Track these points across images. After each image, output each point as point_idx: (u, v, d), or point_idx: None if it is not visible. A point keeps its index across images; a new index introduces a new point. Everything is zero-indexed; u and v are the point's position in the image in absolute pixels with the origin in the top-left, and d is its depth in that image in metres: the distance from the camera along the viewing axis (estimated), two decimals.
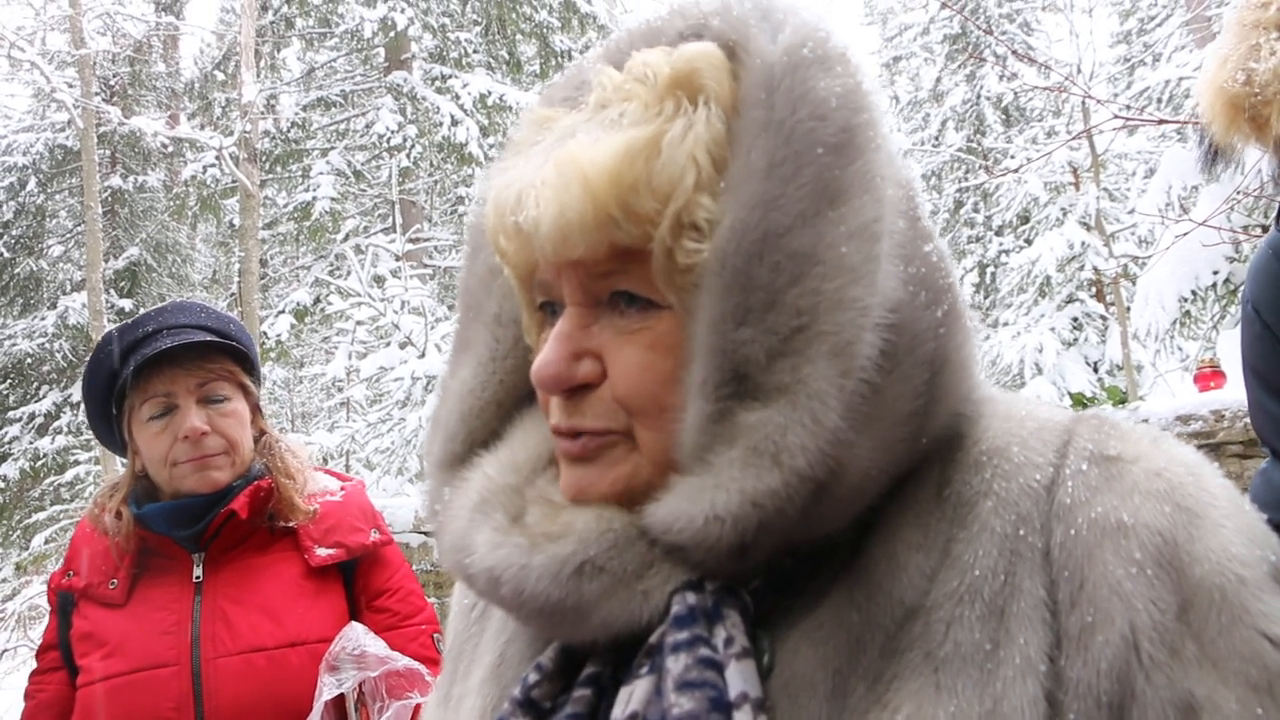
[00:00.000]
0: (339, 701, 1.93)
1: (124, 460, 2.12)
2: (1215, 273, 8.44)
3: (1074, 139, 11.41)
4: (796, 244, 0.69)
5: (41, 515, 15.50)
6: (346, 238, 15.59)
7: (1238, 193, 7.00)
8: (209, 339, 2.03)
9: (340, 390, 13.39)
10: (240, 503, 2.00)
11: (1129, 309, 10.23)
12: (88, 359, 2.08)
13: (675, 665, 0.69)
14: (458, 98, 15.49)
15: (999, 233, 18.34)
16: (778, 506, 0.69)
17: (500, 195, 0.77)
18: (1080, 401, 6.96)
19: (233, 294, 18.56)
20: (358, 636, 1.95)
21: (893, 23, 25.35)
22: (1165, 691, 0.64)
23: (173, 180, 18.62)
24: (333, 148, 16.48)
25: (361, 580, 2.12)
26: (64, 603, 2.05)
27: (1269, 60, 1.48)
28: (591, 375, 0.77)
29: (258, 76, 14.86)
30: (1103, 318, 14.29)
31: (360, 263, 10.61)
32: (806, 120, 0.71)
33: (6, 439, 16.59)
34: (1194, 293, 8.74)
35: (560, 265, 0.77)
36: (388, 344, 10.75)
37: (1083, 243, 13.47)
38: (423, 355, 9.94)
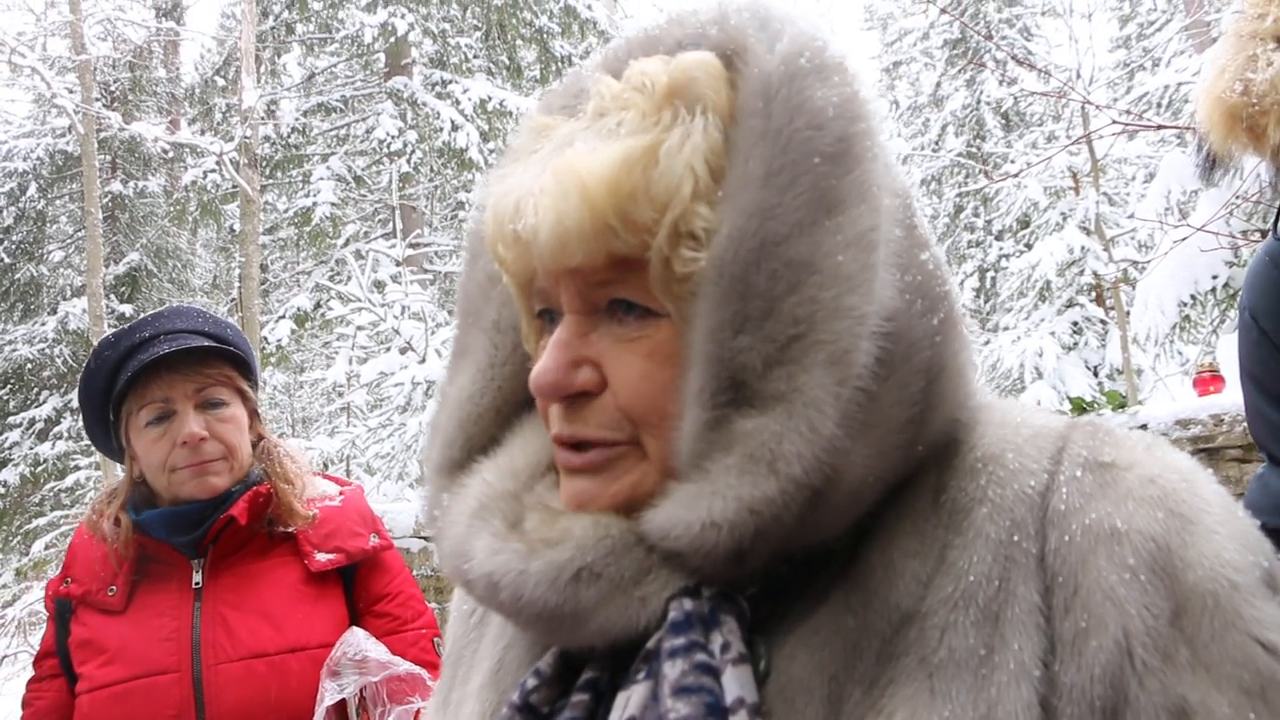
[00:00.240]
0: (340, 706, 1.94)
1: (123, 466, 2.11)
2: (1215, 277, 8.45)
3: (1073, 144, 11.41)
4: (793, 252, 0.70)
5: (42, 521, 15.48)
6: (347, 243, 15.61)
7: (1236, 198, 7.00)
8: (207, 344, 2.02)
9: (341, 395, 13.38)
10: (239, 508, 2.00)
11: (1129, 313, 10.23)
12: (84, 366, 2.08)
13: (672, 671, 0.70)
14: (458, 103, 15.50)
15: (999, 237, 18.34)
16: (774, 514, 0.69)
17: (499, 203, 0.78)
18: (1080, 406, 6.96)
19: (233, 299, 18.57)
20: (359, 641, 1.95)
21: (893, 28, 25.36)
22: (1158, 696, 0.64)
23: (173, 185, 18.62)
24: (333, 153, 16.48)
25: (361, 585, 2.12)
26: (62, 609, 2.04)
27: (1266, 71, 1.48)
28: (589, 383, 0.77)
29: (258, 82, 14.87)
30: (1103, 322, 14.28)
31: (360, 268, 10.61)
32: (803, 129, 0.71)
33: (6, 444, 16.58)
34: (1193, 297, 8.74)
35: (558, 273, 0.77)
36: (388, 349, 10.75)
37: (1082, 247, 13.47)
38: (423, 360, 9.94)
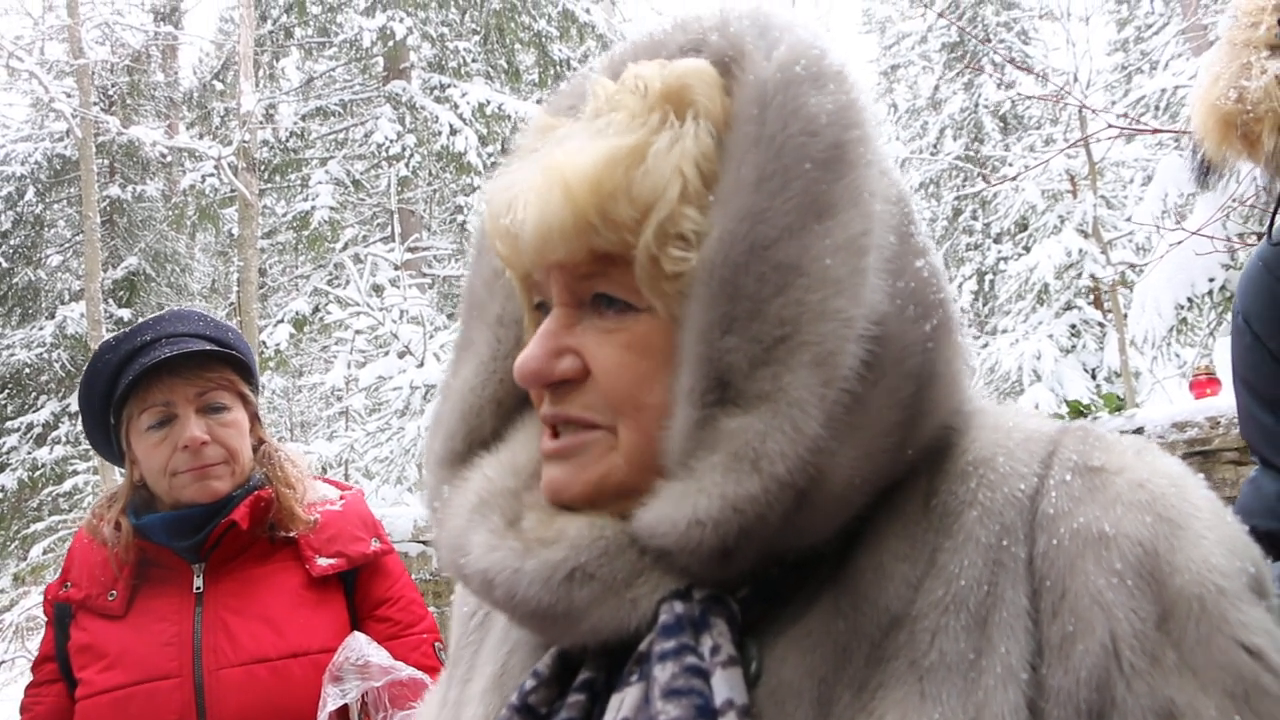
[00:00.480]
0: (342, 712, 1.93)
1: (123, 470, 2.11)
2: (1211, 280, 8.45)
3: (1071, 147, 11.42)
4: (781, 256, 0.71)
5: (40, 525, 15.46)
6: (345, 247, 15.60)
7: (1233, 201, 7.01)
8: (208, 348, 2.01)
9: (339, 399, 13.37)
10: (240, 513, 2.00)
11: (1126, 316, 10.24)
12: (85, 369, 2.07)
13: (662, 674, 0.71)
14: (456, 107, 15.50)
15: (997, 240, 18.35)
16: (758, 512, 0.70)
17: (495, 199, 0.80)
18: (1077, 409, 6.96)
19: (231, 303, 18.55)
20: (361, 646, 1.95)
21: (891, 31, 25.37)
22: (1145, 699, 0.65)
23: (171, 190, 18.62)
24: (331, 157, 16.48)
25: (362, 590, 2.12)
26: (61, 614, 2.03)
27: (1260, 78, 1.49)
28: (570, 372, 0.79)
29: (256, 86, 14.87)
30: (1100, 325, 14.29)
31: (359, 272, 10.61)
32: (797, 135, 0.73)
33: (4, 449, 16.56)
34: (1190, 300, 8.74)
35: (548, 267, 0.79)
36: (386, 353, 10.74)
37: (1080, 250, 13.47)
38: (421, 364, 9.93)
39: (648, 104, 0.77)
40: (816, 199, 0.72)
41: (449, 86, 15.85)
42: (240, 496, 2.03)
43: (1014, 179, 14.01)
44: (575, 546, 0.77)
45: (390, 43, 15.28)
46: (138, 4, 18.93)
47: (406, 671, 1.96)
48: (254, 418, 2.14)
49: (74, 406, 16.39)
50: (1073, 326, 14.35)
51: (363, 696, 1.93)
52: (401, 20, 15.27)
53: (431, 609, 2.22)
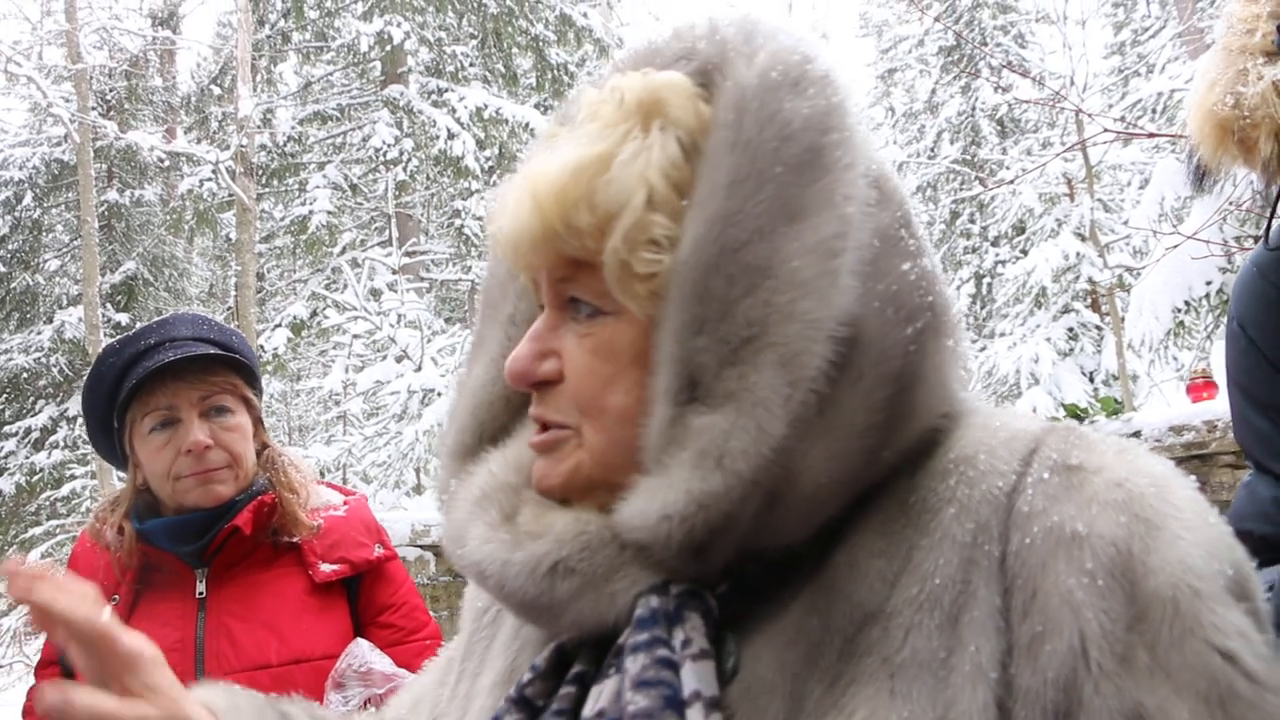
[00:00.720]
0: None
1: (121, 475, 2.09)
2: (1208, 283, 8.45)
3: (1067, 150, 11.45)
4: (751, 258, 0.73)
5: (38, 530, 15.43)
6: (343, 251, 15.58)
7: (1229, 204, 7.03)
8: (211, 351, 2.01)
9: (337, 404, 13.37)
10: (244, 518, 1.99)
11: (1124, 319, 10.25)
12: (88, 372, 2.06)
13: (634, 665, 0.73)
14: (454, 111, 15.51)
15: (995, 244, 18.36)
16: (723, 509, 0.72)
17: (493, 206, 0.84)
18: (1075, 412, 6.96)
19: (229, 307, 18.52)
20: (363, 653, 1.95)
21: (887, 35, 25.38)
22: (1113, 701, 0.65)
23: (169, 194, 18.60)
24: (329, 161, 16.48)
25: (366, 595, 2.11)
26: None
27: (1257, 85, 1.50)
28: (551, 373, 0.83)
29: (254, 91, 14.88)
30: (1098, 328, 14.29)
31: (357, 276, 10.62)
32: (771, 140, 0.74)
33: (2, 454, 16.53)
34: (1188, 303, 8.74)
35: (537, 270, 0.83)
36: (384, 357, 10.74)
37: (1078, 253, 13.47)
38: (419, 369, 9.93)
39: (621, 114, 0.79)
40: (788, 202, 0.73)
41: (446, 91, 15.86)
42: (243, 501, 2.02)
43: (1011, 182, 14.01)
44: (559, 540, 0.80)
45: (388, 47, 15.29)
46: (135, 9, 18.93)
47: (409, 678, 1.95)
48: (257, 422, 2.13)
49: (72, 411, 16.39)
50: (1070, 330, 14.36)
51: (365, 704, 1.93)
52: (399, 25, 15.28)
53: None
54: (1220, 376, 6.90)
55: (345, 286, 10.74)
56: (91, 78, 16.26)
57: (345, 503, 2.19)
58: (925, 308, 0.79)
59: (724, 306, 0.73)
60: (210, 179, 15.14)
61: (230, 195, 14.25)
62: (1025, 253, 15.70)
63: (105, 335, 14.27)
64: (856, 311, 0.73)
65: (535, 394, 0.85)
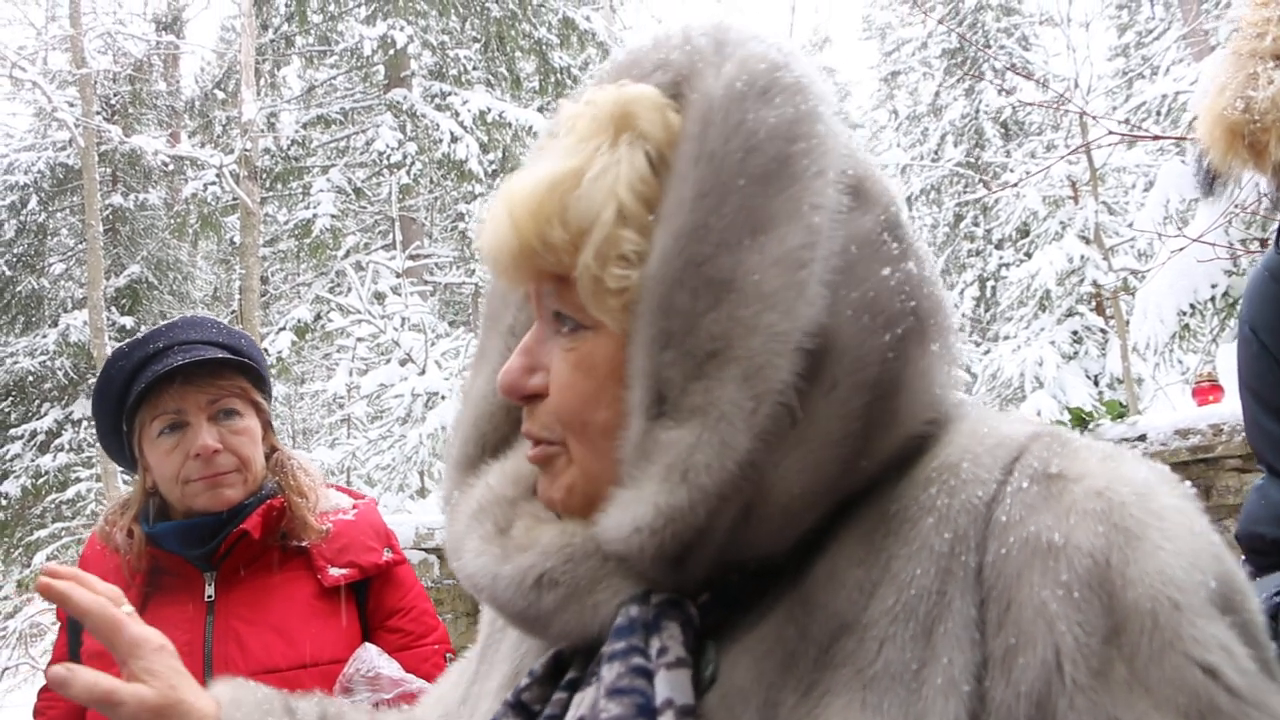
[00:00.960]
0: None
1: (125, 477, 2.10)
2: (1214, 286, 8.45)
3: (1072, 153, 11.44)
4: (714, 271, 0.72)
5: (43, 533, 15.46)
6: (347, 255, 15.61)
7: (1235, 207, 7.02)
8: (220, 355, 2.00)
9: (341, 407, 13.38)
10: (253, 522, 1.98)
11: (1128, 322, 10.24)
12: (98, 375, 2.06)
13: (609, 674, 0.74)
14: (457, 114, 15.53)
15: (999, 246, 18.34)
16: (691, 523, 0.72)
17: (479, 221, 0.85)
18: (1080, 416, 6.95)
19: (234, 311, 18.57)
20: (371, 658, 1.94)
21: (891, 37, 25.38)
22: (1087, 715, 0.63)
23: (173, 198, 18.64)
24: (333, 165, 16.51)
25: (374, 600, 2.10)
26: (74, 620, 2.04)
27: (1267, 89, 1.50)
28: (539, 387, 0.83)
29: (258, 94, 14.90)
30: (1102, 331, 14.29)
31: (360, 280, 10.62)
32: (736, 151, 0.74)
33: (8, 456, 16.56)
34: (1193, 306, 8.74)
35: (526, 284, 0.84)
36: (388, 361, 10.74)
37: (1082, 256, 13.47)
38: (423, 372, 9.93)
39: (594, 128, 0.79)
40: (753, 214, 0.73)
41: (450, 94, 15.88)
42: (252, 505, 2.02)
43: (1015, 185, 14.01)
44: (544, 553, 0.81)
45: (391, 51, 15.31)
46: (140, 14, 18.97)
47: (417, 684, 1.94)
48: (266, 425, 2.13)
49: (77, 414, 16.42)
50: (1075, 333, 14.35)
51: (373, 708, 1.93)
52: (402, 28, 15.31)
53: None
54: (1226, 380, 6.89)
55: (349, 290, 10.74)
56: (96, 82, 16.30)
57: (354, 507, 2.18)
58: (907, 313, 0.77)
59: (689, 321, 0.73)
60: (214, 183, 15.18)
61: (234, 199, 14.28)
62: (1029, 256, 15.70)
63: (110, 339, 14.30)
64: (826, 321, 0.72)
65: (525, 408, 0.85)
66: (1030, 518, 0.69)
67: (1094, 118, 7.95)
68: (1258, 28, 1.56)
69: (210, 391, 2.01)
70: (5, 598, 15.46)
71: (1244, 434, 5.59)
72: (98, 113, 15.84)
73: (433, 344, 10.19)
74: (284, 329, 14.63)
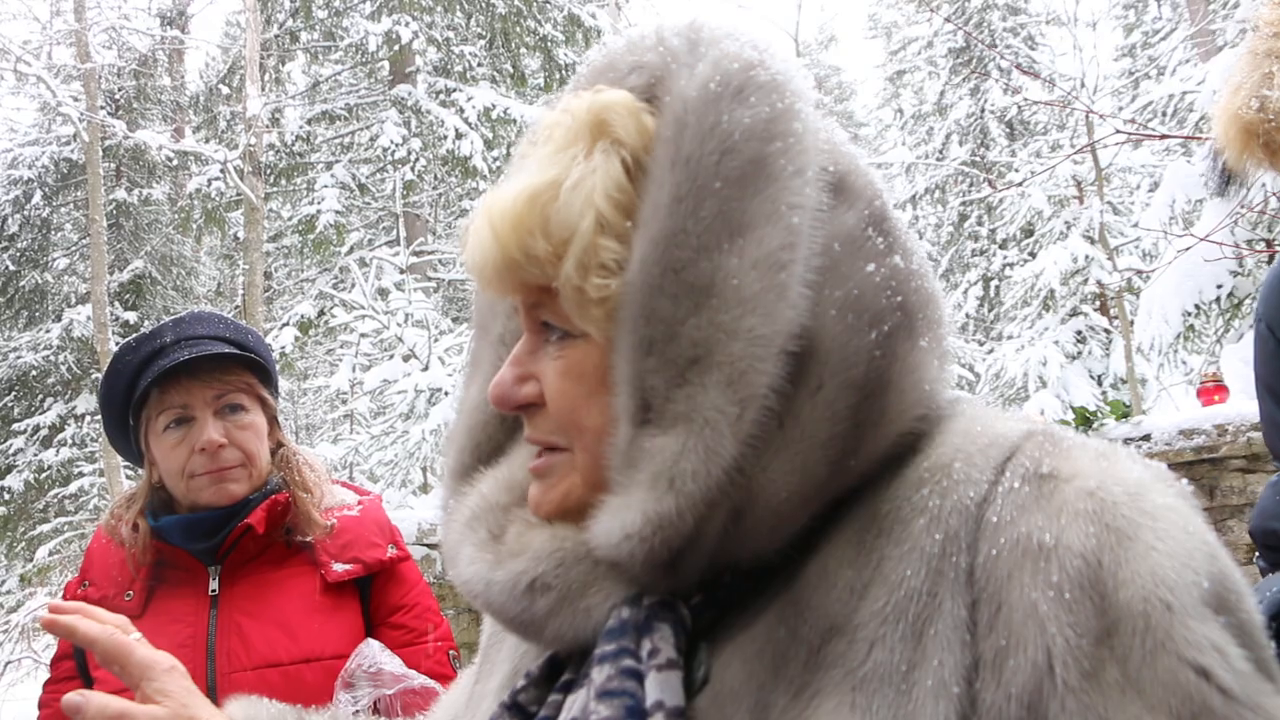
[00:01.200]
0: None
1: (128, 472, 2.11)
2: (1219, 287, 8.44)
3: (1077, 153, 11.43)
4: (693, 277, 0.72)
5: (46, 527, 15.50)
6: (351, 250, 15.61)
7: (1241, 207, 7.02)
8: (226, 350, 2.01)
9: (344, 402, 13.37)
10: (257, 516, 1.99)
11: (1133, 322, 10.23)
12: (106, 370, 2.07)
13: (599, 675, 0.74)
14: (462, 111, 15.53)
15: (1003, 246, 18.34)
16: (679, 529, 0.72)
17: (464, 232, 0.84)
18: (1083, 415, 6.94)
19: (237, 306, 18.58)
20: (374, 654, 1.94)
21: (897, 36, 25.40)
22: (1078, 717, 0.63)
23: (177, 193, 18.67)
24: (337, 161, 16.51)
25: (378, 596, 2.10)
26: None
27: None
28: (532, 396, 0.83)
29: (262, 90, 14.92)
30: (1106, 331, 14.27)
31: (364, 275, 10.62)
32: (711, 154, 0.73)
33: (11, 451, 16.61)
34: (1197, 306, 8.73)
35: (512, 296, 0.84)
36: (391, 357, 10.76)
37: (1086, 256, 13.45)
38: (426, 368, 9.93)
39: (570, 137, 0.79)
40: (730, 217, 0.72)
41: (454, 91, 15.88)
42: (257, 500, 2.03)
43: (1020, 185, 14.00)
44: (536, 558, 0.81)
45: (396, 47, 15.31)
46: (144, 9, 18.98)
47: (419, 680, 1.94)
48: (273, 421, 2.13)
49: (80, 409, 16.45)
50: (1078, 333, 14.34)
51: (374, 704, 1.93)
52: (407, 24, 15.30)
53: None
54: (1231, 380, 6.89)
55: (353, 285, 10.75)
56: (100, 77, 16.31)
57: (359, 503, 2.19)
58: (894, 309, 0.77)
59: (670, 328, 0.72)
60: (218, 178, 15.18)
61: (238, 194, 14.29)
62: (1034, 255, 15.69)
63: (113, 334, 14.32)
64: (809, 323, 0.72)
65: (525, 417, 0.86)
66: (1021, 518, 0.68)
67: (1101, 116, 7.94)
68: (1274, 27, 1.55)
69: (216, 387, 2.02)
70: (8, 592, 15.49)
71: (1249, 434, 5.59)
72: (102, 107, 15.86)
73: (436, 340, 10.18)
74: (287, 324, 14.63)
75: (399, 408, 10.38)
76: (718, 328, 0.71)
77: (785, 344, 0.71)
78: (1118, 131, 7.23)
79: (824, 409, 0.73)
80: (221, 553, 2.02)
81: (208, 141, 16.48)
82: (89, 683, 1.98)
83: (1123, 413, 6.97)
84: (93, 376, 16.25)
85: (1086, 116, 9.54)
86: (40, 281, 17.96)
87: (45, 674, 2.09)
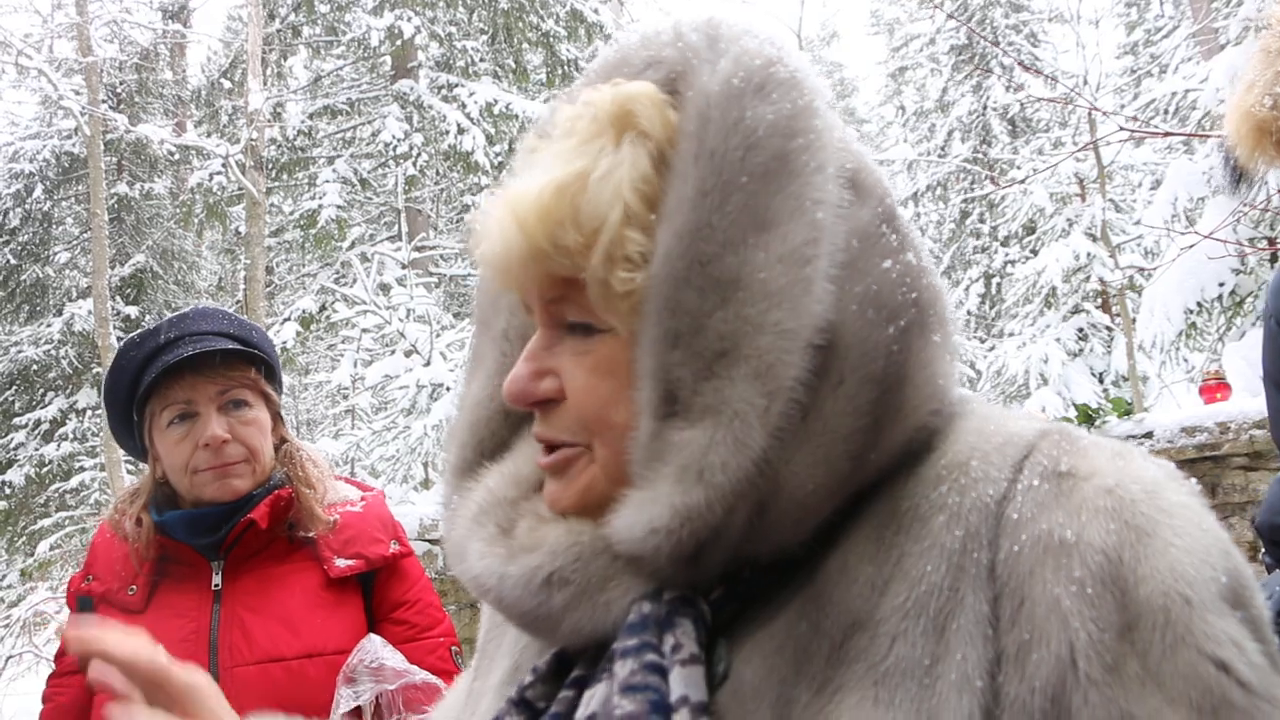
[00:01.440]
0: (356, 714, 1.93)
1: (129, 467, 2.11)
2: (1221, 284, 8.44)
3: (1080, 150, 11.42)
4: (720, 271, 0.73)
5: (47, 522, 15.52)
6: (352, 245, 15.62)
7: (1244, 205, 7.01)
8: (230, 346, 2.02)
9: (345, 398, 13.38)
10: (260, 512, 2.00)
11: (1135, 320, 10.22)
12: (110, 365, 2.08)
13: (622, 670, 0.73)
14: (464, 106, 15.51)
15: (1005, 243, 18.32)
16: (708, 522, 0.72)
17: (478, 226, 0.84)
18: (1085, 413, 6.93)
19: (239, 301, 18.57)
20: (376, 649, 1.95)
21: (899, 33, 25.38)
22: (1102, 711, 0.64)
23: (179, 187, 18.67)
24: (339, 155, 16.50)
25: (380, 592, 2.11)
26: (83, 607, 2.05)
27: None
28: (550, 392, 0.82)
29: (264, 84, 14.91)
30: (1108, 329, 14.26)
31: (366, 270, 10.62)
32: (736, 149, 0.74)
33: (12, 445, 16.62)
34: (1200, 304, 8.73)
35: (527, 290, 0.83)
36: (393, 352, 10.75)
37: (1088, 254, 13.44)
38: (428, 363, 9.93)
39: (595, 129, 0.79)
40: (755, 212, 0.73)
41: (456, 86, 15.86)
42: (260, 495, 2.03)
43: (1022, 182, 13.99)
44: (552, 552, 0.81)
45: (398, 42, 15.30)
46: (146, 2, 18.98)
47: (421, 675, 1.95)
48: (276, 416, 2.14)
49: (81, 403, 16.46)
50: (1080, 330, 14.33)
51: (376, 699, 1.93)
52: (409, 19, 15.29)
53: None
54: (1233, 378, 6.89)
55: (354, 281, 10.75)
56: (102, 71, 16.31)
57: (362, 499, 2.19)
58: (909, 304, 0.78)
59: (696, 321, 0.73)
60: (220, 172, 15.16)
61: (240, 189, 14.29)
62: (1035, 253, 15.68)
63: (114, 328, 14.32)
64: (833, 317, 0.73)
65: (538, 414, 0.85)
66: (1042, 515, 0.69)
67: (1104, 113, 7.93)
68: None
69: (220, 382, 2.02)
70: (9, 586, 15.50)
71: (1251, 432, 5.58)
72: (103, 101, 15.85)
73: (438, 335, 10.18)
74: (289, 319, 14.63)
75: (400, 403, 10.39)
76: (745, 321, 0.72)
77: (811, 338, 0.72)
78: (1120, 129, 7.22)
79: (846, 403, 0.74)
80: (224, 548, 2.02)
81: (209, 136, 16.47)
82: None
83: (1125, 410, 6.96)
84: (94, 371, 16.27)
85: (1089, 114, 9.53)
86: (41, 276, 17.97)
87: (47, 669, 2.09)
